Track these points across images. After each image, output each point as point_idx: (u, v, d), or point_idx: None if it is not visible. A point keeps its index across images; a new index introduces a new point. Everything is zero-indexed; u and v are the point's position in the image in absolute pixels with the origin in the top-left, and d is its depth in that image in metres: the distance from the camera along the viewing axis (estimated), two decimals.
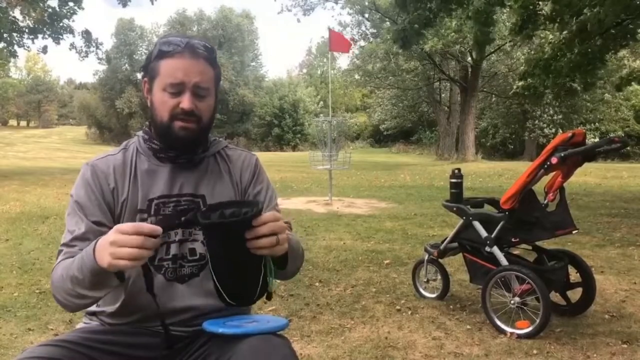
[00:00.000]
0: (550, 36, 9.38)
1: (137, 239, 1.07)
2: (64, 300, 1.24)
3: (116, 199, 1.34)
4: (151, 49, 1.37)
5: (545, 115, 25.57)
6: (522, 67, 9.77)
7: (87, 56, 17.66)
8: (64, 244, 1.30)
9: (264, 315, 1.39)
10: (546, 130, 25.17)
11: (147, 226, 1.09)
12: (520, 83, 9.60)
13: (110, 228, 1.22)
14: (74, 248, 1.27)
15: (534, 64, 8.93)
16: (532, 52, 9.75)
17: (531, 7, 7.99)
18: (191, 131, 1.32)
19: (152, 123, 1.38)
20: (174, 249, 1.35)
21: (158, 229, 1.10)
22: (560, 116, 25.56)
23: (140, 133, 1.44)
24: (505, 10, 9.03)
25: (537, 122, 26.01)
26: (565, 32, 8.36)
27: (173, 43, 1.31)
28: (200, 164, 1.41)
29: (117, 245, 1.07)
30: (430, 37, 16.11)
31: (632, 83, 12.42)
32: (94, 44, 17.68)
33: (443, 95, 27.44)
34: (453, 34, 16.37)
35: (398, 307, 3.47)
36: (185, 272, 1.36)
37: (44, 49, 17.26)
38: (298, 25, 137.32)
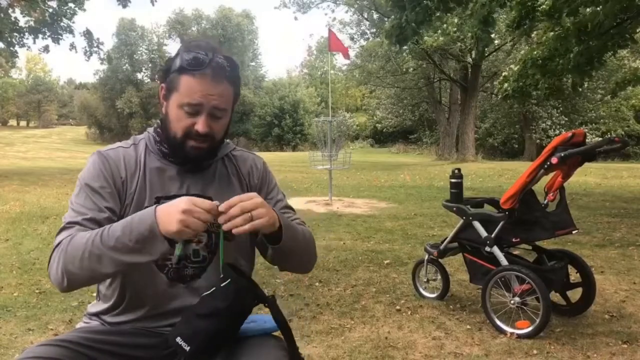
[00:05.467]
0: (550, 34, 9.34)
1: (208, 217, 1.13)
2: (76, 269, 1.18)
3: (125, 190, 1.33)
4: (173, 54, 1.34)
5: (548, 117, 25.54)
6: (515, 68, 9.73)
7: (91, 56, 17.66)
8: (74, 222, 1.26)
9: (262, 315, 1.39)
10: (550, 132, 25.14)
11: (217, 209, 1.15)
12: (506, 84, 9.58)
13: (119, 216, 1.27)
14: (85, 227, 1.25)
15: (530, 63, 8.91)
16: (533, 49, 9.71)
17: (529, 3, 7.96)
18: (203, 151, 1.34)
19: (164, 132, 1.37)
20: (177, 250, 1.35)
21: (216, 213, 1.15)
22: (562, 117, 25.55)
23: (151, 130, 1.43)
24: (504, 10, 9.00)
25: (538, 122, 26.00)
26: (560, 31, 8.34)
27: (196, 60, 1.27)
28: (208, 167, 1.42)
29: (191, 215, 1.11)
30: (430, 34, 16.04)
31: (628, 87, 12.39)
32: (95, 44, 17.68)
33: (443, 95, 27.41)
34: (455, 29, 16.31)
35: (398, 307, 3.47)
36: (188, 272, 1.36)
37: (45, 49, 17.26)
38: (299, 25, 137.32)
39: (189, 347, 1.14)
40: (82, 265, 1.17)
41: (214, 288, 1.18)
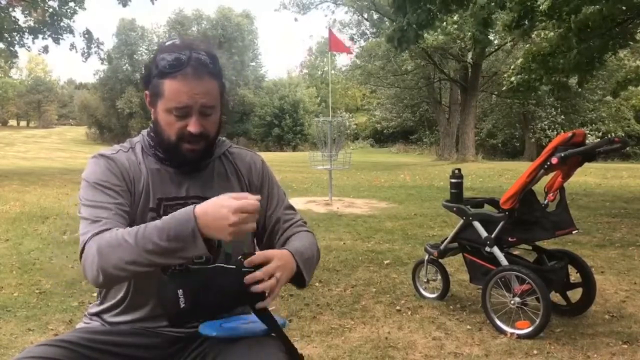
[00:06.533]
0: (551, 33, 9.33)
1: (254, 219, 1.13)
2: (111, 268, 1.15)
3: (134, 190, 1.32)
4: (151, 59, 1.31)
5: (548, 117, 25.56)
6: (519, 61, 9.71)
7: (89, 56, 17.65)
8: (101, 217, 1.23)
9: None
10: (548, 132, 25.17)
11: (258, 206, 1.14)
12: (513, 78, 9.56)
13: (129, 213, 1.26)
14: (112, 221, 1.22)
15: (531, 57, 8.90)
16: (533, 46, 9.70)
17: (528, 3, 7.94)
18: (199, 151, 1.32)
19: (158, 137, 1.35)
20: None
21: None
22: (562, 117, 25.57)
23: (145, 134, 1.41)
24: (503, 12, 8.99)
25: (537, 122, 26.01)
26: (561, 30, 8.33)
27: (174, 61, 1.24)
28: (206, 167, 1.41)
29: (241, 220, 1.10)
30: (431, 34, 16.03)
31: (629, 87, 12.38)
32: (94, 44, 17.68)
33: (443, 95, 27.42)
34: (455, 26, 16.30)
35: (398, 307, 3.47)
36: None
37: (45, 49, 17.27)
38: (299, 25, 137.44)
39: (184, 305, 1.11)
40: (117, 265, 1.14)
41: (234, 266, 1.14)
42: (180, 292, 1.10)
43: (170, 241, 1.11)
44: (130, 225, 1.25)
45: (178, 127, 1.28)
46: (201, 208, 1.12)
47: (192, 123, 1.27)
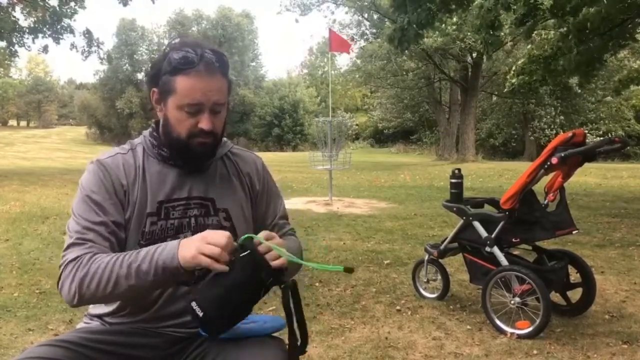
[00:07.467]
0: (551, 33, 9.33)
1: (227, 242, 1.12)
2: (91, 291, 1.18)
3: (127, 197, 1.31)
4: (159, 56, 1.32)
5: (547, 117, 25.55)
6: (520, 62, 9.71)
7: (89, 55, 17.64)
8: (85, 239, 1.24)
9: (262, 316, 1.39)
10: (547, 132, 25.17)
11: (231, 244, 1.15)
12: (514, 80, 9.56)
13: (124, 227, 1.27)
14: (95, 243, 1.24)
15: (535, 60, 8.90)
16: (533, 48, 9.68)
17: (532, 0, 7.93)
18: (208, 146, 1.33)
19: (166, 135, 1.35)
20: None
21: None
22: (561, 117, 25.57)
23: (146, 134, 1.41)
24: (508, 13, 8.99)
25: (537, 122, 26.00)
26: (564, 29, 8.32)
27: (187, 58, 1.25)
28: (209, 168, 1.41)
29: (207, 241, 1.12)
30: (430, 35, 16.02)
31: (631, 85, 12.40)
32: (95, 44, 17.67)
33: (443, 95, 27.39)
34: (454, 26, 16.29)
35: (398, 307, 3.47)
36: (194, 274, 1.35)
37: (45, 49, 17.27)
38: (299, 26, 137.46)
39: (202, 314, 1.12)
40: (98, 289, 1.18)
41: (232, 257, 1.15)
42: (193, 304, 1.13)
43: (155, 266, 1.17)
44: (124, 236, 1.30)
45: (189, 124, 1.29)
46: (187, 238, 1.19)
47: (203, 120, 1.28)
